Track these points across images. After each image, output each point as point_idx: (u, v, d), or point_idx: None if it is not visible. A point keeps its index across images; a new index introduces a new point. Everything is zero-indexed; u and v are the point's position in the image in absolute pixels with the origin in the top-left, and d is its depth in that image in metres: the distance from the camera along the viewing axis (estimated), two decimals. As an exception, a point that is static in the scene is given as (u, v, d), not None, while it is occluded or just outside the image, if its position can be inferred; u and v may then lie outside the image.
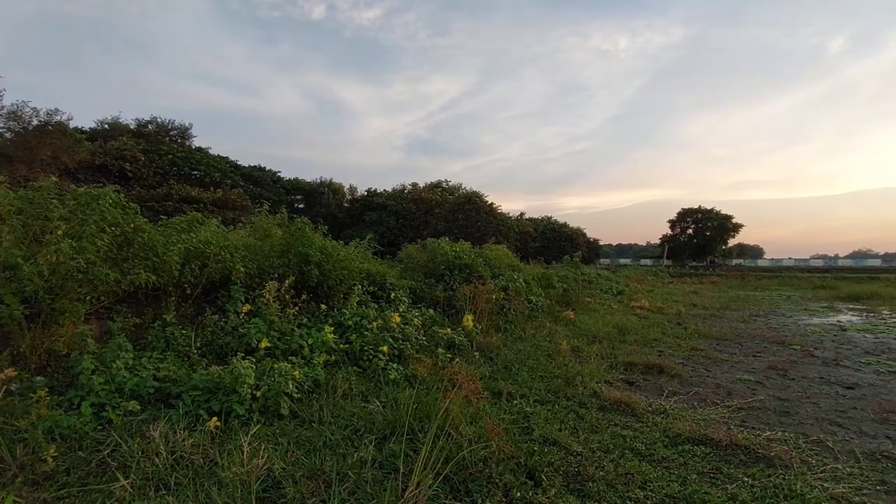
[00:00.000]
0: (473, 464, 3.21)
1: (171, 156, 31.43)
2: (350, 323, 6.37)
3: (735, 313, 14.38)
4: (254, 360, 4.61)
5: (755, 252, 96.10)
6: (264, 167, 47.16)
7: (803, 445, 4.04)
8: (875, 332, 10.58)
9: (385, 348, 5.69)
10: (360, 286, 7.44)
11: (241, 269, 6.05)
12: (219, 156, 37.88)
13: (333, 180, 53.10)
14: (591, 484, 3.19)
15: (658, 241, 68.25)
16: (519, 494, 2.98)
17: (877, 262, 63.46)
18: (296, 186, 49.80)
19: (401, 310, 7.49)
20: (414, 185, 48.64)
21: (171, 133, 37.27)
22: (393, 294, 8.16)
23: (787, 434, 4.28)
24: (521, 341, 7.97)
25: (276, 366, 4.55)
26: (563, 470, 3.38)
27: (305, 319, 6.26)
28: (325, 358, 5.37)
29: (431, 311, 8.44)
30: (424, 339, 6.76)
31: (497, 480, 3.09)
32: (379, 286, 8.41)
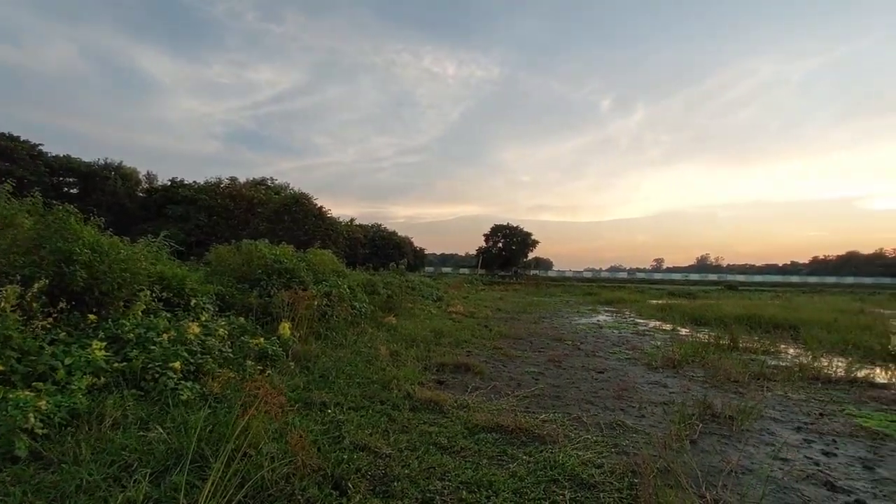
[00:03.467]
0: (274, 483, 3.00)
1: None
2: (131, 336, 5.28)
3: (529, 316, 16.97)
4: (-30, 390, 3.44)
5: (547, 264, 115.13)
6: (18, 137, 36.14)
7: (567, 423, 4.96)
8: (619, 329, 13.79)
9: (177, 364, 4.89)
10: (148, 292, 6.27)
11: (-43, 268, 4.47)
12: (-66, 111, 27.41)
13: (124, 163, 44.01)
14: (395, 483, 3.31)
15: (475, 252, 75.92)
16: (323, 507, 2.90)
17: (625, 275, 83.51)
18: (67, 166, 39.47)
19: (202, 319, 6.56)
20: (233, 179, 43.77)
21: None
22: (194, 301, 7.11)
23: (556, 415, 5.20)
24: (342, 348, 7.85)
25: (10, 395, 3.49)
26: (371, 474, 3.43)
27: (64, 334, 4.95)
28: (91, 381, 4.32)
29: (242, 318, 7.65)
30: (231, 350, 6.06)
31: (299, 497, 2.95)
32: (175, 292, 7.23)
